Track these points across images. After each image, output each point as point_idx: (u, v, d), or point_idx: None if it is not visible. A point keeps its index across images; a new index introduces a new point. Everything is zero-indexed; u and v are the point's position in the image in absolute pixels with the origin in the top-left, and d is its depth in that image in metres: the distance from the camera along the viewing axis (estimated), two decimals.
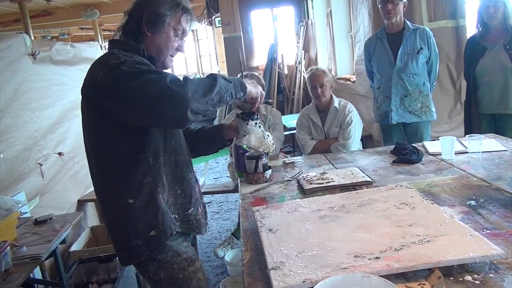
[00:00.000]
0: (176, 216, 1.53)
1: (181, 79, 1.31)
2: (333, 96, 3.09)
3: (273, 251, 1.29)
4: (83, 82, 1.45)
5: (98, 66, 1.40)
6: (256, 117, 1.71)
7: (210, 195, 4.60)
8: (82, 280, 2.70)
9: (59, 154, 3.12)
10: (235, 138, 1.83)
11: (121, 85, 1.30)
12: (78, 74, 3.69)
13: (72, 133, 3.39)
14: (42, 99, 3.06)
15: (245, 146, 2.26)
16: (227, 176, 5.55)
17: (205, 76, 1.46)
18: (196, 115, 1.32)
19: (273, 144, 1.80)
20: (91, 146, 1.48)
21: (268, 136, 1.77)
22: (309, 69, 3.27)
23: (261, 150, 1.79)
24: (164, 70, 1.49)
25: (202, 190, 3.81)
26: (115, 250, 1.53)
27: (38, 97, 3.02)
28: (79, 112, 3.70)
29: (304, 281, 1.10)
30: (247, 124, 1.70)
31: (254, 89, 1.58)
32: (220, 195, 4.67)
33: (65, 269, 2.43)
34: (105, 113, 1.39)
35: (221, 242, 3.27)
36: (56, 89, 3.29)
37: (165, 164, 1.50)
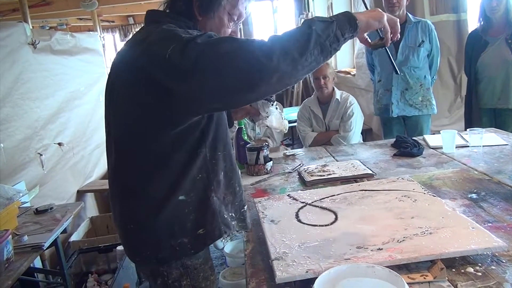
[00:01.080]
0: (233, 214, 1.34)
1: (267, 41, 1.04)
2: (335, 88, 3.09)
3: (276, 241, 1.29)
4: (121, 66, 1.23)
5: (160, 42, 1.09)
6: (273, 99, 1.67)
7: None
8: (81, 270, 2.71)
9: (59, 144, 3.11)
10: (250, 144, 1.77)
11: (202, 60, 1.02)
12: (78, 64, 3.68)
13: (72, 123, 3.38)
14: (42, 89, 3.05)
15: (246, 137, 2.26)
16: None
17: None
18: (295, 79, 1.08)
19: (288, 124, 1.79)
20: (131, 142, 1.22)
21: (284, 118, 1.76)
22: None
23: (278, 131, 1.78)
24: None
25: None
26: (145, 252, 1.26)
27: (38, 87, 3.00)
28: (79, 102, 3.67)
29: (307, 271, 1.11)
30: (272, 104, 1.66)
31: (374, 18, 1.18)
32: None
33: (65, 259, 2.43)
34: (165, 97, 1.11)
35: None
36: (56, 79, 3.27)
37: (224, 158, 1.30)
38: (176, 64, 1.04)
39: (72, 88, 3.48)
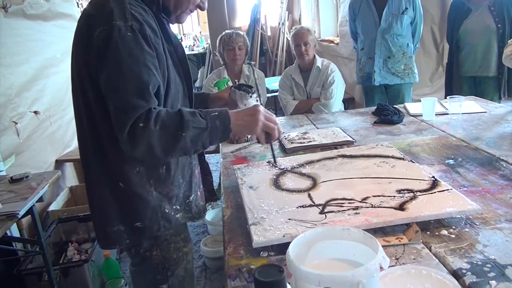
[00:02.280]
0: (178, 207, 1.33)
1: (143, 119, 1.07)
2: (316, 56, 3.05)
3: (254, 207, 1.29)
4: (76, 35, 1.23)
5: (98, 20, 1.14)
6: (253, 89, 1.68)
7: None
8: (61, 239, 2.69)
9: (35, 112, 3.02)
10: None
11: (113, 53, 1.09)
12: (53, 30, 3.54)
13: (49, 91, 3.28)
14: (15, 55, 2.93)
15: None
16: None
17: (176, 113, 1.14)
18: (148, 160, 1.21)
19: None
20: (88, 120, 1.23)
21: (270, 109, 1.76)
22: (293, 28, 3.20)
23: None
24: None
25: None
26: (95, 232, 1.36)
27: (11, 53, 2.88)
28: (55, 70, 3.57)
29: (284, 236, 1.11)
30: (251, 96, 1.66)
31: (246, 129, 1.28)
32: None
33: (43, 228, 2.41)
34: (95, 81, 1.15)
35: None
36: (31, 45, 3.14)
37: None
38: (98, 47, 1.11)
39: (48, 55, 3.35)
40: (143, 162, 1.22)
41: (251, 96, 1.66)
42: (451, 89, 3.20)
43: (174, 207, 1.31)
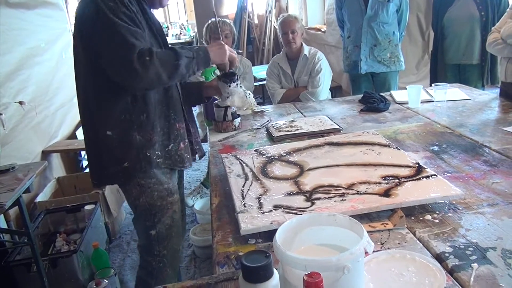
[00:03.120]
0: (159, 153, 1.57)
1: (147, 54, 1.36)
2: (303, 44, 3.05)
3: (241, 195, 1.30)
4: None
5: (86, 2, 1.45)
6: (236, 78, 1.77)
7: None
8: (49, 230, 2.67)
9: (20, 103, 2.98)
10: (217, 100, 1.96)
11: (99, 25, 1.38)
12: (37, 19, 3.48)
13: (33, 81, 3.23)
14: None
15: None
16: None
17: (168, 49, 1.51)
18: (155, 87, 1.52)
19: (255, 101, 1.91)
20: (84, 78, 1.53)
21: (250, 94, 1.86)
22: (280, 15, 3.19)
23: (244, 109, 1.89)
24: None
25: None
26: (91, 174, 1.65)
27: None
28: (40, 60, 3.52)
29: (271, 223, 1.12)
30: (230, 86, 1.76)
31: (219, 57, 1.61)
32: None
33: (31, 220, 2.40)
34: (88, 48, 1.46)
35: (191, 191, 3.28)
36: (14, 34, 3.09)
37: (147, 102, 1.52)
38: (86, 20, 1.45)
39: (32, 44, 3.30)
40: (128, 110, 1.50)
41: (229, 86, 1.76)
42: (435, 77, 3.25)
43: (156, 152, 1.56)
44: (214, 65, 3.00)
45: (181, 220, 1.82)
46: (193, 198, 3.16)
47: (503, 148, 1.59)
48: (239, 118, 2.15)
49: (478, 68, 3.08)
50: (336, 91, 4.69)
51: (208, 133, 2.20)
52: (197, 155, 1.82)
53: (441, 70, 3.22)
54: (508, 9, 2.22)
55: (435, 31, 3.27)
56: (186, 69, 1.46)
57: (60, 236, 2.58)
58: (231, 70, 1.74)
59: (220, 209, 1.34)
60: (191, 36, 8.90)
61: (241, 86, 1.81)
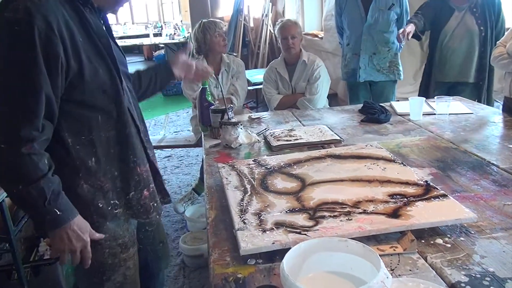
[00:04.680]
0: (117, 202, 1.27)
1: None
2: (302, 49, 2.99)
3: (240, 210, 1.22)
4: None
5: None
6: (240, 123, 1.92)
7: (170, 149, 4.48)
8: (33, 233, 2.56)
9: None
10: (214, 105, 2.05)
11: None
12: None
13: None
14: None
15: (210, 98, 2.15)
16: (188, 129, 5.42)
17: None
18: None
19: (257, 136, 1.98)
20: None
21: (252, 132, 2.00)
22: (279, 20, 3.13)
23: (252, 144, 1.93)
24: None
25: (162, 144, 3.63)
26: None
27: None
28: None
29: (273, 243, 1.05)
30: (238, 128, 1.90)
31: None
32: (181, 149, 4.55)
33: (14, 223, 2.28)
34: None
35: (182, 197, 3.19)
36: None
37: (96, 144, 1.21)
38: None
39: None
40: (70, 154, 1.18)
41: (238, 128, 1.89)
42: (427, 93, 2.96)
43: (111, 201, 1.26)
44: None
45: (152, 263, 1.56)
46: (184, 204, 3.06)
47: (510, 166, 1.53)
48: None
49: (473, 87, 2.87)
50: (331, 98, 4.63)
51: (202, 139, 2.12)
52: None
53: (432, 88, 2.98)
54: None
55: (431, 46, 3.05)
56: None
57: (43, 240, 2.47)
58: (232, 117, 1.94)
59: (217, 224, 1.26)
60: (185, 36, 8.81)
61: (241, 128, 1.93)
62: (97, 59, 1.18)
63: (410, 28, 2.77)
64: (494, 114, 2.23)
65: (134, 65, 12.25)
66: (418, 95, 3.09)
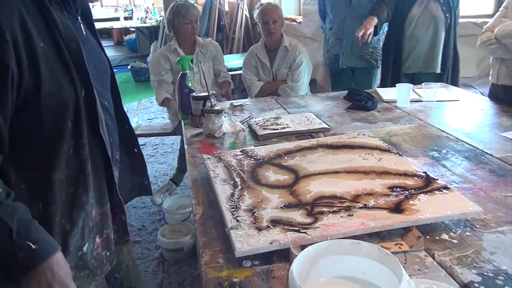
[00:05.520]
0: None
1: None
2: (284, 35, 2.89)
3: (231, 206, 1.13)
4: None
5: None
6: (224, 111, 1.81)
7: (144, 138, 4.32)
8: None
9: None
10: (195, 92, 1.93)
11: None
12: None
13: None
14: None
15: (190, 84, 2.03)
16: (162, 117, 5.26)
17: None
18: None
19: (241, 124, 1.86)
20: None
21: (236, 120, 1.86)
22: (258, 4, 3.01)
23: (236, 132, 1.82)
24: None
25: (137, 133, 3.49)
26: None
27: None
28: None
29: (271, 243, 0.96)
30: (222, 116, 1.78)
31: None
32: (155, 137, 4.40)
33: None
34: None
35: (159, 188, 3.07)
36: None
37: (44, 184, 0.92)
38: None
39: None
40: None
41: (222, 116, 1.78)
42: (387, 85, 2.72)
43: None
44: (178, 48, 2.83)
45: None
46: (162, 196, 2.95)
47: (505, 156, 1.49)
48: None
49: (436, 77, 2.66)
50: (311, 85, 4.55)
51: (182, 127, 2.01)
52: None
53: (395, 79, 2.71)
54: (501, 8, 2.13)
55: (394, 34, 2.77)
56: None
57: None
58: (215, 105, 1.81)
59: (206, 221, 1.16)
60: (157, 20, 8.54)
61: (225, 116, 1.81)
62: (62, 70, 0.91)
63: (370, 28, 2.57)
64: (481, 101, 2.20)
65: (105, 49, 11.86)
66: (380, 82, 2.96)
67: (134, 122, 5.13)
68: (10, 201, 0.84)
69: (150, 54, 7.71)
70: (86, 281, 1.03)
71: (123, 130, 1.23)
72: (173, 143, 4.31)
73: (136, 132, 3.42)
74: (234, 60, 4.82)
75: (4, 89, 0.83)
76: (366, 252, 0.74)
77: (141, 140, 4.45)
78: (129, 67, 6.62)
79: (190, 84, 2.02)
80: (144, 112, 5.67)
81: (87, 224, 1.01)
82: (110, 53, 11.19)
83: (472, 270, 0.91)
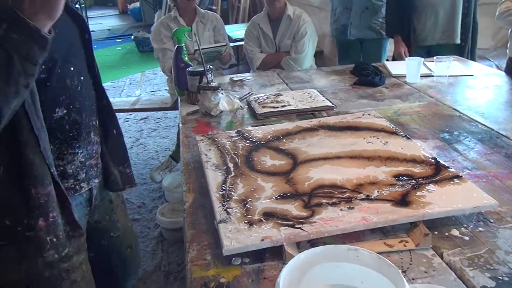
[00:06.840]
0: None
1: None
2: (287, 3, 2.73)
3: (222, 196, 1.04)
4: None
5: None
6: (221, 87, 1.71)
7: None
8: None
9: None
10: (191, 67, 1.81)
11: None
12: None
13: None
14: None
15: (187, 59, 1.91)
16: (165, 89, 5.15)
17: None
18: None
19: (239, 102, 1.75)
20: None
21: (234, 97, 1.77)
22: None
23: (234, 110, 1.72)
24: None
25: (136, 107, 3.39)
26: None
27: None
28: None
29: (263, 240, 0.87)
30: (219, 93, 1.68)
31: (47, 13, 0.81)
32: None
33: None
34: None
35: (159, 165, 2.99)
36: None
37: None
38: None
39: None
40: None
41: (219, 93, 1.67)
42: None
43: None
44: (179, 18, 2.70)
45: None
46: (161, 173, 2.87)
47: None
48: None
49: (456, 49, 2.53)
50: (317, 57, 4.38)
51: (179, 104, 1.91)
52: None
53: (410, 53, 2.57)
54: None
55: (406, 6, 2.58)
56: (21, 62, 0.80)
57: None
58: (212, 81, 1.70)
59: (195, 211, 1.07)
60: None
61: (222, 93, 1.70)
62: None
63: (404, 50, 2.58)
64: (497, 77, 2.06)
65: (109, 18, 11.66)
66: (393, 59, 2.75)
67: (136, 94, 5.03)
68: None
69: (154, 24, 7.55)
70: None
71: (100, 105, 1.14)
72: (175, 117, 4.22)
73: (135, 106, 3.37)
74: (239, 30, 4.66)
75: None
76: (364, 260, 0.65)
77: (143, 113, 4.38)
78: (132, 37, 6.47)
79: (186, 58, 1.90)
80: (147, 83, 5.55)
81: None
82: (114, 22, 10.99)
83: (485, 274, 0.82)
